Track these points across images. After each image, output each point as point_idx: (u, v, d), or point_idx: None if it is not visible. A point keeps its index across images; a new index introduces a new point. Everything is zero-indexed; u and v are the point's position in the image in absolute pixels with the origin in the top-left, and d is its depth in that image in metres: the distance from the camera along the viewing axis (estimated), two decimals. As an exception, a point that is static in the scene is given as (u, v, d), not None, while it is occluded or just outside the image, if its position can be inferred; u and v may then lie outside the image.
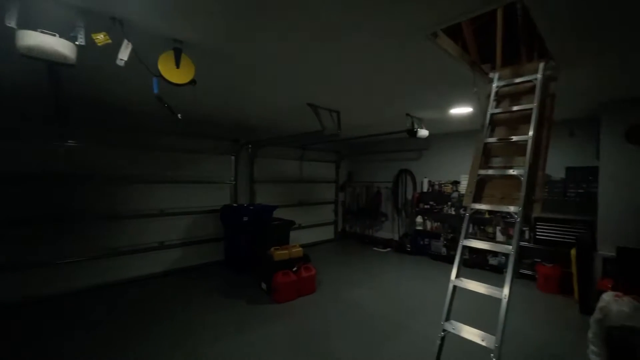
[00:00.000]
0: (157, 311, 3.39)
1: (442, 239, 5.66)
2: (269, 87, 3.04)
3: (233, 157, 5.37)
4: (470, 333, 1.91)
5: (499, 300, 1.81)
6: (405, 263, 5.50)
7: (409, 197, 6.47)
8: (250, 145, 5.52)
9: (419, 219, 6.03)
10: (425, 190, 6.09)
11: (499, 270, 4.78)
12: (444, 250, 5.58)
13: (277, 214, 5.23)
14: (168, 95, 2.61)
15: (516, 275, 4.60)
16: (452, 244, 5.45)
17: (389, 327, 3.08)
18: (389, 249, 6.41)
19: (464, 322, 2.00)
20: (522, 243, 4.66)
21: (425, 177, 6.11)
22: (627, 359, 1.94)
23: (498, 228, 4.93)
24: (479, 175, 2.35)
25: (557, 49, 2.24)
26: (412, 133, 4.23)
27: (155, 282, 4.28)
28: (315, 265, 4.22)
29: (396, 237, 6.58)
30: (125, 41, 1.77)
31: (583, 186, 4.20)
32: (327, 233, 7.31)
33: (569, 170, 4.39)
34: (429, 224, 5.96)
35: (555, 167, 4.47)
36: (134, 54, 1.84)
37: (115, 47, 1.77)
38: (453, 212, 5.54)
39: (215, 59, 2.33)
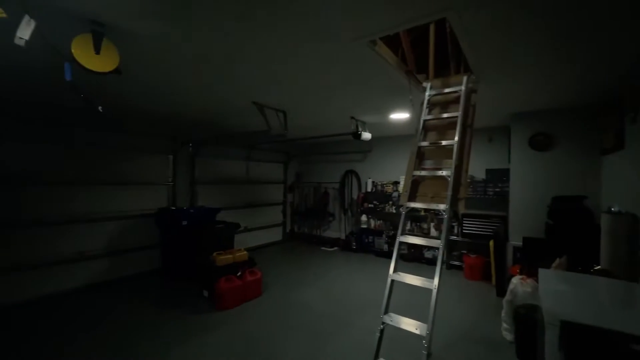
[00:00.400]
0: (76, 333, 2.95)
1: (384, 236, 6.00)
2: (209, 82, 2.87)
3: (171, 157, 4.96)
4: (407, 324, 2.05)
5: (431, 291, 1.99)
6: (351, 261, 5.69)
7: (355, 197, 6.73)
8: (191, 144, 5.16)
9: (363, 217, 6.31)
10: (369, 190, 6.39)
11: (434, 262, 5.25)
12: (386, 247, 5.93)
13: (222, 216, 4.98)
14: (91, 86, 2.29)
15: (447, 266, 5.14)
16: (394, 240, 5.80)
17: (335, 325, 3.15)
18: (336, 248, 6.58)
19: (403, 314, 2.14)
20: (452, 237, 5.19)
21: (369, 178, 6.42)
22: (529, 330, 2.28)
23: (432, 224, 5.41)
24: (413, 176, 2.54)
25: (476, 65, 2.53)
26: (357, 135, 4.40)
27: (77, 298, 3.73)
28: (263, 268, 4.12)
29: (343, 236, 6.79)
30: (27, 17, 1.50)
31: (499, 185, 4.84)
32: (276, 235, 7.21)
33: (488, 171, 5.02)
34: (372, 223, 6.27)
35: (478, 168, 5.08)
36: (39, 33, 1.57)
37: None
38: (394, 211, 5.92)
39: (146, 47, 2.12)
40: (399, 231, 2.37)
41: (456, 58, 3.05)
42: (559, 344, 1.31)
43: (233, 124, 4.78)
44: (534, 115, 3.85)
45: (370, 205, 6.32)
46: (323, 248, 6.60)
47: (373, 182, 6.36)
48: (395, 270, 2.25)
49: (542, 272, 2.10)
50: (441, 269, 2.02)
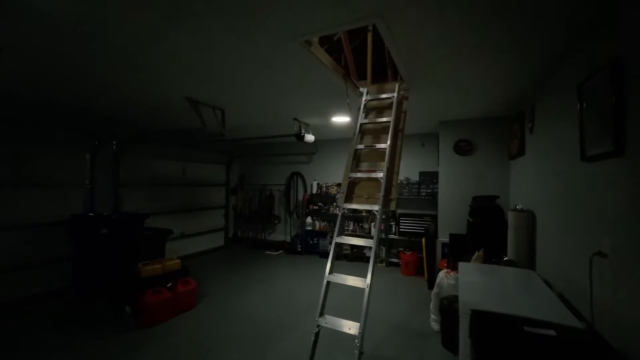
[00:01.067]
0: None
1: (328, 237, 6.09)
2: (126, 71, 2.55)
3: (88, 155, 4.32)
4: (341, 325, 2.06)
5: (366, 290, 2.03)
6: (296, 263, 5.64)
7: (300, 198, 6.71)
8: (114, 142, 4.58)
9: (308, 219, 6.32)
10: (314, 192, 6.43)
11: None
12: (330, 248, 6.00)
13: (154, 222, 4.52)
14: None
15: (387, 264, 5.41)
16: (337, 241, 5.94)
17: (278, 331, 3.05)
18: (281, 251, 6.47)
19: (343, 314, 2.15)
20: (390, 236, 5.49)
21: (315, 180, 6.47)
22: (452, 320, 2.48)
23: (373, 224, 5.66)
24: (350, 177, 2.60)
25: (406, 74, 2.70)
26: (300, 137, 4.39)
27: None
28: (201, 277, 3.84)
29: (288, 239, 6.71)
30: None
31: (430, 187, 5.27)
32: (217, 240, 6.81)
33: (421, 174, 5.44)
34: (317, 224, 6.32)
35: (413, 171, 5.47)
36: None
37: None
38: (338, 212, 6.02)
39: (36, 23, 1.79)
40: (335, 232, 2.39)
41: (393, 66, 3.24)
42: (469, 331, 1.43)
43: (163, 121, 4.37)
44: (459, 123, 4.28)
45: (315, 207, 6.36)
46: (268, 252, 6.44)
47: (318, 184, 6.42)
48: (331, 272, 2.26)
49: (461, 265, 2.31)
50: (374, 267, 2.08)
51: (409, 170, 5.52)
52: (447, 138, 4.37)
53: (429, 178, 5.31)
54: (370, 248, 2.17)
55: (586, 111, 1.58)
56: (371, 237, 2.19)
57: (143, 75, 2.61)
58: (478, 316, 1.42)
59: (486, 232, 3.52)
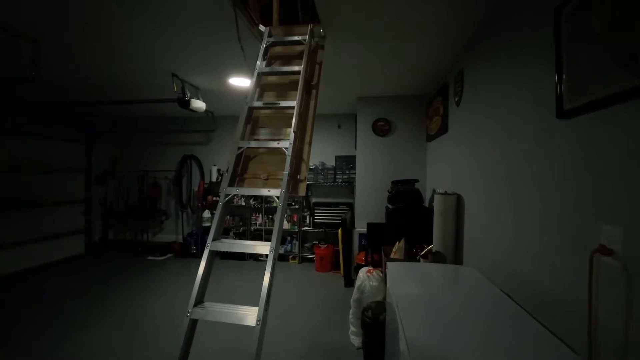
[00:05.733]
0: None
1: (232, 233, 5.05)
2: None
3: None
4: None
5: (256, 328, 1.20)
6: (189, 271, 4.42)
7: (196, 189, 5.42)
8: None
9: (206, 213, 5.12)
10: (214, 180, 5.25)
11: (286, 258, 4.75)
12: (202, 257, 4.96)
13: None
14: None
15: (300, 260, 4.74)
16: (243, 237, 4.97)
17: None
18: (169, 255, 5.09)
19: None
20: (304, 228, 4.84)
21: (214, 165, 5.28)
22: (377, 335, 1.91)
23: (285, 216, 4.89)
24: (240, 148, 1.71)
25: (325, 14, 1.95)
26: (184, 103, 3.22)
27: None
28: (19, 308, 2.33)
29: (180, 239, 5.36)
30: None
31: (346, 173, 4.80)
32: (72, 247, 4.92)
33: (337, 158, 4.92)
34: (218, 219, 5.18)
35: (329, 155, 4.91)
36: None
37: None
38: (244, 203, 5.05)
39: None
40: (211, 232, 1.49)
41: (305, 9, 2.48)
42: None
43: None
44: (378, 100, 3.84)
45: (215, 199, 5.19)
46: (151, 257, 4.97)
47: (219, 169, 5.25)
48: (200, 300, 1.35)
49: (390, 268, 1.71)
50: (269, 290, 1.26)
51: (324, 154, 4.93)
52: (365, 116, 3.89)
53: (346, 163, 4.83)
54: (288, 241, 1.34)
55: (570, 45, 1.10)
56: (268, 237, 1.36)
57: None
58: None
59: (406, 219, 3.16)
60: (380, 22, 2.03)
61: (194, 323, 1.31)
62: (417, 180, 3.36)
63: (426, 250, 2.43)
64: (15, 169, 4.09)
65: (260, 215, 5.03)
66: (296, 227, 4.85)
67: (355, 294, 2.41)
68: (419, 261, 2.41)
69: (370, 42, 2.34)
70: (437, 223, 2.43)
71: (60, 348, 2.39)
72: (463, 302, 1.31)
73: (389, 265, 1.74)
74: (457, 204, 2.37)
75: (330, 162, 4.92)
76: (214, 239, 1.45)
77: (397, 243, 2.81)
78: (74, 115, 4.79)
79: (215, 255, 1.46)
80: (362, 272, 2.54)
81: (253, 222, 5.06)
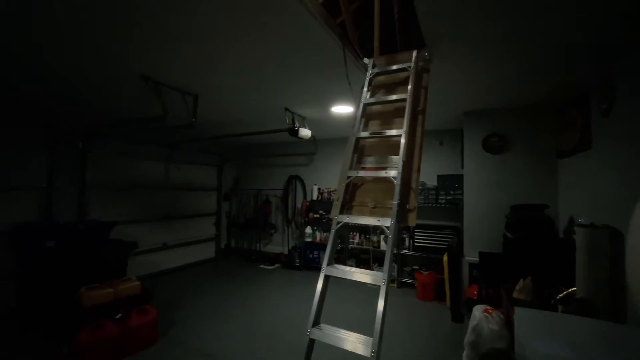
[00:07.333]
0: None
1: (331, 250, 5.27)
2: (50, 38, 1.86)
3: (45, 152, 3.68)
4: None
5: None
6: (293, 282, 4.84)
7: (299, 206, 5.93)
8: (78, 138, 3.93)
9: (308, 229, 5.53)
10: (315, 198, 5.64)
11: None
12: (318, 281, 5.17)
13: (132, 232, 3.84)
14: None
15: (398, 284, 4.55)
16: (341, 255, 5.12)
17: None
18: (277, 265, 5.68)
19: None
20: (403, 251, 4.64)
21: (315, 184, 5.69)
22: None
23: (382, 237, 4.82)
24: (348, 178, 1.82)
25: (431, 36, 1.94)
26: (293, 132, 3.64)
27: None
28: (176, 297, 3.08)
29: (286, 251, 5.92)
30: None
31: (451, 193, 4.42)
32: (207, 251, 6.08)
33: (440, 177, 4.59)
34: (318, 235, 5.52)
35: (430, 174, 4.64)
36: None
37: None
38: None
39: None
40: (326, 257, 1.61)
41: (403, 33, 2.49)
42: None
43: (118, 105, 3.64)
44: (489, 113, 3.45)
45: (316, 216, 5.56)
46: (262, 266, 5.65)
47: (319, 188, 5.63)
48: (317, 322, 1.46)
49: (518, 314, 1.48)
50: (384, 317, 1.27)
51: (424, 173, 4.68)
52: (473, 132, 3.54)
53: (450, 183, 4.46)
54: (380, 286, 1.36)
55: None
56: (380, 269, 1.39)
57: (69, 40, 1.91)
58: None
59: (532, 251, 2.67)
60: (490, 33, 1.86)
61: (311, 342, 1.42)
62: (547, 206, 2.81)
63: (565, 293, 1.99)
64: (172, 188, 5.37)
65: (358, 234, 5.11)
66: (395, 250, 4.70)
67: (470, 336, 2.15)
68: (554, 307, 1.99)
69: (486, 52, 2.15)
70: (582, 262, 1.97)
71: (218, 327, 2.95)
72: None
73: (518, 310, 1.50)
74: (611, 240, 1.87)
75: (432, 182, 4.63)
76: (328, 264, 1.56)
77: (521, 280, 2.40)
78: (208, 145, 6.01)
79: (328, 279, 1.57)
80: (478, 311, 2.25)
81: (350, 240, 5.17)
